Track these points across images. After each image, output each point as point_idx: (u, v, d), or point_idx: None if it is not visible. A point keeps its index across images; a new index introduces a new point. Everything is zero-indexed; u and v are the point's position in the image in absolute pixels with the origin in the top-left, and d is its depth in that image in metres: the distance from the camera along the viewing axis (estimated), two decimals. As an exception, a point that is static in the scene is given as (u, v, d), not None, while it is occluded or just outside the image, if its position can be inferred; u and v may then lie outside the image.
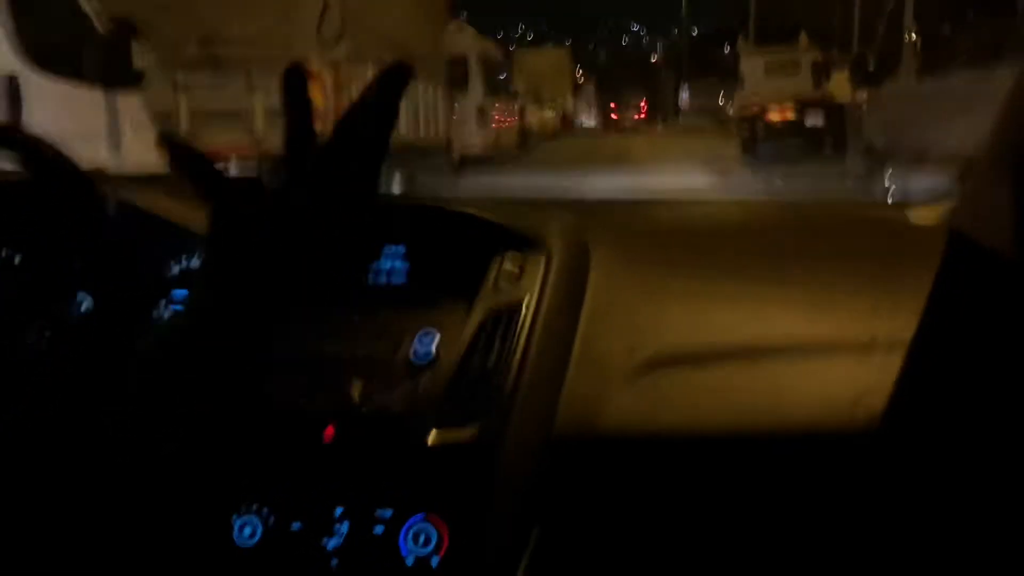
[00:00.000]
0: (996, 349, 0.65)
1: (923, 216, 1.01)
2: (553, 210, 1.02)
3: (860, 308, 0.85)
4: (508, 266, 0.89)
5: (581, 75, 48.32)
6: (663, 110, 57.72)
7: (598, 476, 0.81)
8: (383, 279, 0.94)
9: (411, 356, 0.85)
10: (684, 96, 51.14)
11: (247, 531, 0.76)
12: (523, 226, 0.92)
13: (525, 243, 0.90)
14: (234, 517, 0.77)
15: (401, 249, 0.95)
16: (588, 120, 48.16)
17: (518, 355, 0.81)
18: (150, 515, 0.57)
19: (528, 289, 0.86)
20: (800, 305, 0.88)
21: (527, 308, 0.84)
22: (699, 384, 0.83)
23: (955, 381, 0.64)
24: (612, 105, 54.82)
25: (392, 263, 0.94)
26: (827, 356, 0.84)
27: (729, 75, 49.77)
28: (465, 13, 29.70)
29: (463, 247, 0.91)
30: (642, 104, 54.69)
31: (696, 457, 0.81)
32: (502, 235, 0.91)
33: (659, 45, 70.79)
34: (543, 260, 0.88)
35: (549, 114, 27.70)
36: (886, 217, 1.08)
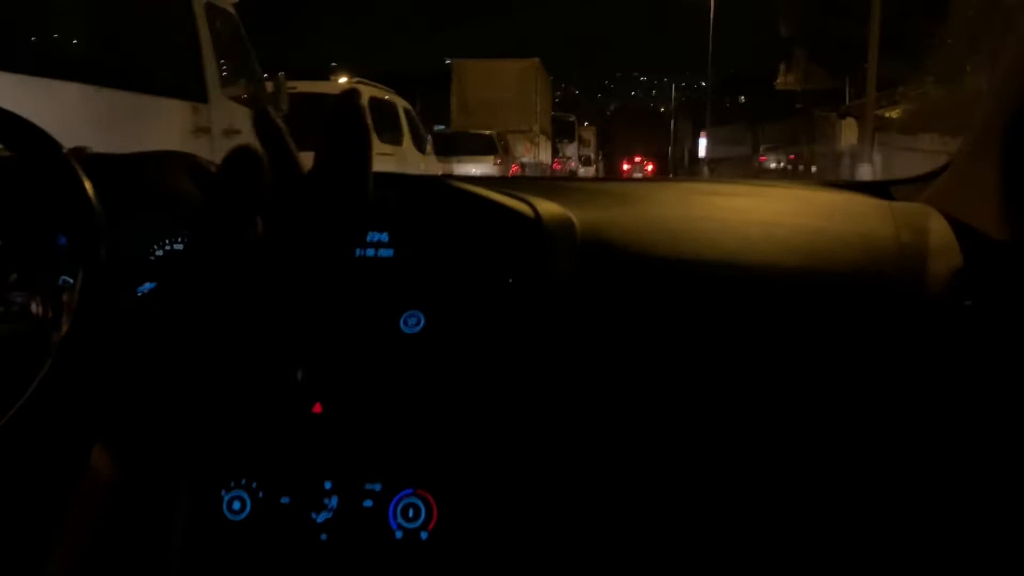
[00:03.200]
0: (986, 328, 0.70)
1: (908, 196, 1.02)
2: (539, 188, 1.02)
3: (854, 276, 0.83)
4: (497, 237, 0.88)
5: (573, 120, 40.45)
6: (679, 160, 50.44)
7: (591, 438, 0.80)
8: (371, 252, 0.90)
9: (401, 329, 0.83)
10: (703, 144, 43.47)
11: (236, 505, 0.76)
12: (510, 200, 0.91)
13: (513, 216, 0.89)
14: (223, 491, 0.77)
15: (388, 228, 0.90)
16: (587, 171, 40.85)
17: (508, 328, 0.81)
18: (140, 489, 0.58)
19: (517, 260, 0.86)
20: (792, 271, 0.85)
21: (516, 280, 0.84)
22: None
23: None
24: (626, 165, 47.08)
25: (379, 236, 0.90)
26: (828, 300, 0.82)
27: (757, 121, 42.97)
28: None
29: (451, 220, 0.89)
30: (643, 162, 48.77)
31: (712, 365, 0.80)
32: (489, 209, 0.90)
33: (672, 92, 64.13)
34: (531, 231, 0.88)
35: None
36: (872, 196, 1.03)
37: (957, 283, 0.77)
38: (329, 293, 0.81)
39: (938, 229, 0.85)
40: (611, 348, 0.82)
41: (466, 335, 0.81)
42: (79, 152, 0.89)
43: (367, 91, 9.09)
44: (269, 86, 6.57)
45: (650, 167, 48.82)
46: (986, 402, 0.72)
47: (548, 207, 0.90)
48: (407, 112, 10.40)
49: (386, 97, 9.77)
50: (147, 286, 0.94)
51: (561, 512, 0.79)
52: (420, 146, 10.62)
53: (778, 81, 42.77)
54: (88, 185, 0.77)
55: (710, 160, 40.87)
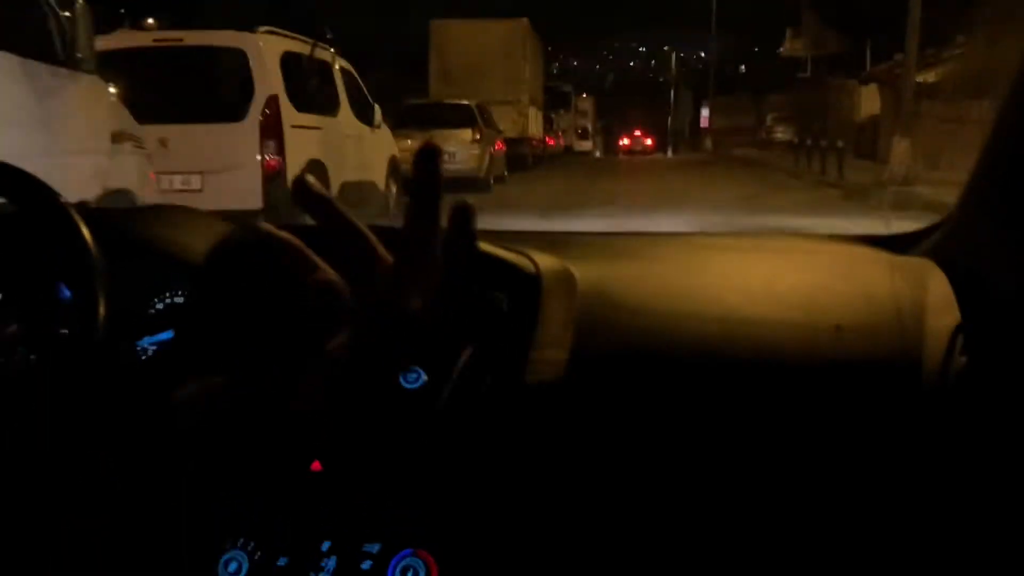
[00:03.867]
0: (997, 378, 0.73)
1: (911, 249, 1.03)
2: (536, 240, 1.02)
3: (856, 334, 0.83)
4: (497, 296, 0.89)
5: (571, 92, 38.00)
6: (680, 133, 48.33)
7: (590, 502, 0.80)
8: None
9: (401, 385, 0.83)
10: (704, 114, 41.23)
11: (232, 567, 0.75)
12: (510, 255, 0.91)
13: (513, 272, 0.90)
14: (220, 554, 0.76)
15: None
16: (583, 144, 38.60)
17: (510, 383, 0.82)
18: (135, 550, 0.58)
19: (518, 316, 0.86)
20: (792, 327, 0.85)
21: (518, 335, 0.85)
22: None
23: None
24: (625, 139, 44.87)
25: None
26: (827, 378, 0.82)
27: (761, 90, 40.78)
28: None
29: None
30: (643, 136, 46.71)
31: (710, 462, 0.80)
32: (490, 263, 0.90)
33: (673, 62, 61.60)
34: (532, 287, 0.88)
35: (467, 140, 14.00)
36: (875, 247, 1.03)
37: (955, 340, 0.78)
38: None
39: (937, 285, 0.86)
40: (612, 407, 0.82)
41: (466, 392, 0.79)
42: (81, 206, 0.90)
43: (278, 44, 6.77)
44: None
45: (649, 142, 46.56)
46: (985, 465, 0.73)
47: (548, 262, 0.92)
48: (346, 74, 8.03)
49: (309, 53, 7.24)
50: (146, 340, 0.95)
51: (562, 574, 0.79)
52: (364, 117, 8.31)
53: (784, 47, 40.56)
54: (88, 235, 0.80)
55: (713, 131, 38.63)
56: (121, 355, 0.92)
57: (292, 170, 6.14)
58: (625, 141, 46.72)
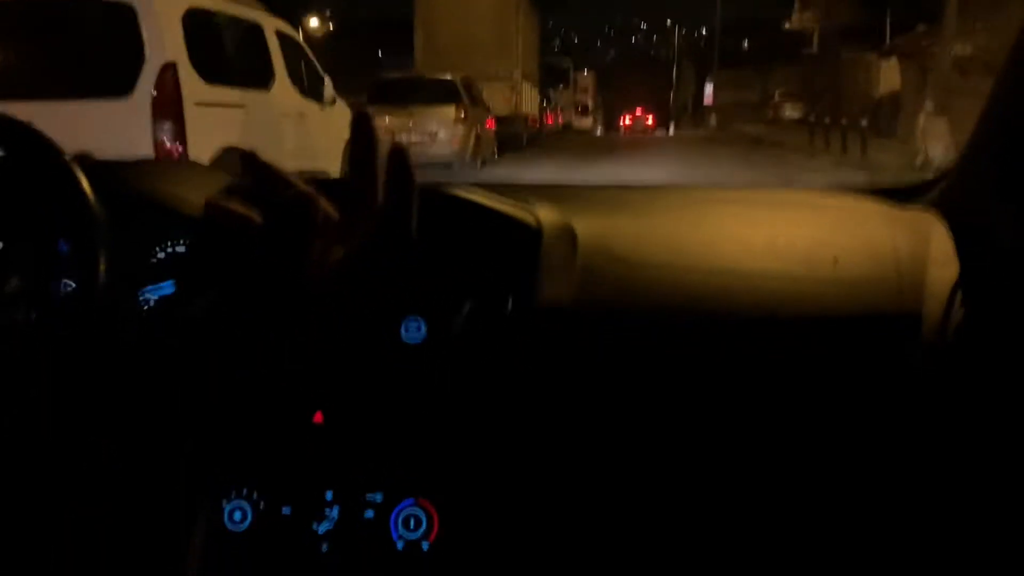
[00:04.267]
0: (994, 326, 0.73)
1: (914, 202, 1.01)
2: (538, 193, 1.00)
3: (860, 287, 0.82)
4: (499, 246, 0.88)
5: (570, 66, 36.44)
6: (683, 109, 46.96)
7: (590, 449, 0.80)
8: None
9: (402, 338, 0.83)
10: (708, 91, 39.74)
11: (237, 516, 0.76)
12: (512, 208, 0.90)
13: (514, 225, 0.89)
14: (224, 502, 0.76)
15: None
16: (583, 122, 37.06)
17: (510, 336, 0.81)
18: (140, 502, 0.59)
19: (519, 269, 0.85)
20: (797, 282, 0.85)
21: (518, 288, 0.84)
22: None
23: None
24: (627, 118, 44.01)
25: None
26: (831, 330, 0.81)
27: (766, 64, 39.22)
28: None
29: (452, 229, 0.89)
30: (644, 114, 45.32)
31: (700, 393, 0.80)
32: (491, 217, 0.89)
33: (676, 37, 59.90)
34: (532, 241, 0.87)
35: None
36: (878, 199, 1.02)
37: (955, 292, 0.78)
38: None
39: (939, 237, 0.86)
40: (610, 355, 0.81)
41: (467, 344, 0.81)
42: (82, 156, 0.90)
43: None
44: None
45: (650, 121, 44.97)
46: (982, 416, 0.73)
47: (550, 215, 0.90)
48: (284, 38, 6.41)
49: (231, 12, 5.62)
50: (149, 288, 0.96)
51: (562, 522, 0.78)
52: (310, 90, 6.77)
53: (792, 19, 38.92)
54: (88, 189, 0.80)
55: (717, 107, 37.02)
56: (123, 306, 0.92)
57: (199, 159, 4.61)
58: (628, 121, 45.29)
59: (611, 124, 46.93)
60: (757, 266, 0.85)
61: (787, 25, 38.34)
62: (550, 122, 27.23)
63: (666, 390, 0.79)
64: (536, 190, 1.01)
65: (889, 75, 19.39)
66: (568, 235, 0.88)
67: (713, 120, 35.40)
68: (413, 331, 0.82)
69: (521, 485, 0.76)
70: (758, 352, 0.79)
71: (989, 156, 0.85)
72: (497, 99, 16.96)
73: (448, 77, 12.64)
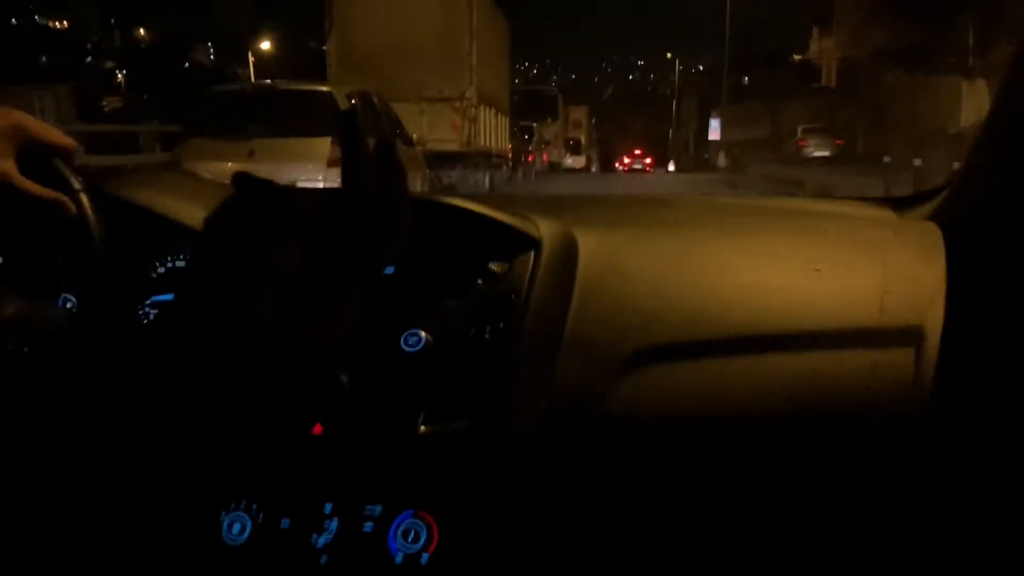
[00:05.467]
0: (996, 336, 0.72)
1: (914, 211, 1.00)
2: (540, 204, 1.01)
3: (858, 299, 0.82)
4: (498, 257, 0.87)
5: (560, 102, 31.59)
6: (683, 146, 42.72)
7: (590, 468, 0.79)
8: None
9: (402, 348, 0.82)
10: (714, 125, 34.97)
11: (236, 528, 0.75)
12: (511, 219, 0.90)
13: (514, 235, 0.88)
14: (223, 514, 0.76)
15: None
16: (575, 160, 32.29)
17: (508, 348, 0.80)
18: (139, 514, 0.59)
19: (518, 281, 0.85)
20: (797, 295, 0.84)
21: (517, 300, 0.83)
22: (693, 375, 0.81)
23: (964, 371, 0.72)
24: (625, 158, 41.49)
25: None
26: (830, 344, 0.81)
27: (777, 97, 34.68)
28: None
29: (452, 239, 0.89)
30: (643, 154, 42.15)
31: (689, 445, 0.79)
32: (491, 227, 0.89)
33: (676, 69, 55.55)
34: (532, 252, 0.87)
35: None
36: (877, 211, 1.03)
37: (950, 301, 0.77)
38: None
39: (937, 247, 0.85)
40: (607, 363, 0.80)
41: (466, 354, 0.80)
42: (80, 168, 0.88)
43: None
44: None
45: (648, 160, 41.11)
46: (979, 426, 0.73)
47: (551, 227, 0.89)
48: None
49: None
50: (149, 304, 0.93)
51: (561, 535, 0.77)
52: None
53: (811, 49, 34.65)
54: (87, 201, 0.77)
55: (726, 145, 31.96)
56: (123, 320, 0.89)
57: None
58: (626, 160, 42.45)
59: (607, 162, 42.84)
60: (758, 278, 0.85)
61: (802, 56, 34.26)
62: (531, 160, 22.31)
63: (665, 411, 0.78)
64: (541, 200, 1.05)
65: (972, 100, 14.44)
66: (569, 246, 0.88)
67: (722, 159, 30.25)
68: (412, 340, 0.81)
69: (520, 497, 0.75)
70: (754, 364, 0.78)
71: (991, 168, 0.84)
72: (440, 128, 12.09)
73: (324, 88, 7.74)
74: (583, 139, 35.14)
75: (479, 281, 0.84)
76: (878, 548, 0.72)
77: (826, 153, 23.27)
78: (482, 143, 13.93)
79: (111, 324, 0.83)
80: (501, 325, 0.80)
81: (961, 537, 0.70)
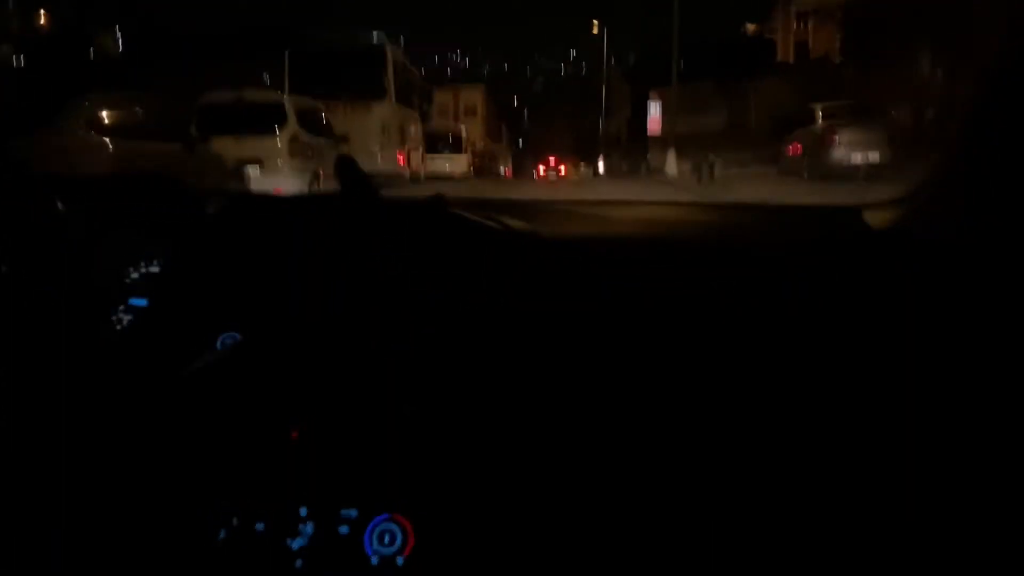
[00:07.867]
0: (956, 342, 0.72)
1: (878, 219, 1.01)
2: (512, 209, 1.03)
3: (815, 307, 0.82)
4: (477, 259, 0.89)
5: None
6: (613, 140, 32.16)
7: (567, 463, 0.79)
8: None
9: (379, 352, 0.82)
10: (653, 113, 24.00)
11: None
12: (484, 221, 0.92)
13: (484, 232, 0.90)
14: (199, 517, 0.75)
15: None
16: (453, 164, 21.37)
17: (487, 350, 0.81)
18: (116, 516, 0.58)
19: (495, 282, 0.86)
20: (751, 297, 0.85)
21: (496, 302, 0.84)
22: None
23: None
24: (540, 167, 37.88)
25: None
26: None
27: (742, 79, 25.00)
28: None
29: (434, 242, 0.90)
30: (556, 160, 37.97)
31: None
32: (471, 230, 0.91)
33: (605, 44, 45.33)
34: (507, 253, 0.89)
35: None
36: (842, 219, 1.04)
37: (910, 310, 0.78)
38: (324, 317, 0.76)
39: (901, 255, 0.85)
40: (576, 349, 0.81)
41: (443, 358, 0.80)
42: (54, 177, 0.84)
43: None
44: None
45: (563, 168, 35.47)
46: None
47: (518, 225, 0.92)
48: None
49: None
50: (123, 308, 0.90)
51: (537, 537, 0.76)
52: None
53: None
54: (61, 207, 0.77)
55: (677, 140, 20.30)
56: (98, 325, 0.87)
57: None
58: (541, 169, 37.26)
59: (523, 164, 38.99)
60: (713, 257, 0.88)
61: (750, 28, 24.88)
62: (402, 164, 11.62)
63: (638, 367, 0.77)
64: (509, 205, 1.11)
65: None
66: (534, 242, 0.91)
67: (671, 164, 18.28)
68: (395, 340, 0.82)
69: (498, 500, 0.75)
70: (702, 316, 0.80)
71: (960, 175, 0.84)
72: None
73: (276, 96, 9.37)
74: (465, 134, 23.81)
75: (459, 282, 0.84)
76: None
77: (875, 158, 11.82)
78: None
79: (85, 328, 0.80)
80: (482, 328, 0.80)
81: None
